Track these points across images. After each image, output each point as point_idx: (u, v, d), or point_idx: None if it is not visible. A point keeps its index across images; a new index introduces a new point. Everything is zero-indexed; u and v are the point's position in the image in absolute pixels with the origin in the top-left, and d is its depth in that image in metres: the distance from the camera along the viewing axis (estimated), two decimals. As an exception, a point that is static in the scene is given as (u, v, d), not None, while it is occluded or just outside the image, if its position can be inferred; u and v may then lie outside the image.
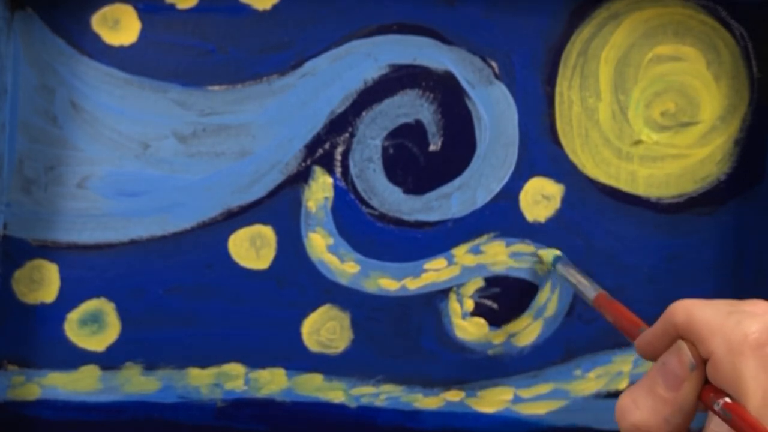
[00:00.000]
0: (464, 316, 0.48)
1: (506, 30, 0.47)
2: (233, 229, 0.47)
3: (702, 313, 0.27)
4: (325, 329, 0.48)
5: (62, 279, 0.47)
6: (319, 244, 0.47)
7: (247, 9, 0.46)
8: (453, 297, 0.48)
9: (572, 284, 0.43)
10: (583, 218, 0.48)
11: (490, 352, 0.49)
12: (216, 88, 0.47)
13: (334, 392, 0.48)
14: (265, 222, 0.47)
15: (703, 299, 0.29)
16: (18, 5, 0.46)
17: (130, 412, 0.48)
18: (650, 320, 0.49)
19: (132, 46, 0.46)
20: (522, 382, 0.49)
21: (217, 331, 0.47)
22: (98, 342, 0.47)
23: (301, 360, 0.48)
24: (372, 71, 0.47)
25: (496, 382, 0.49)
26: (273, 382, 0.48)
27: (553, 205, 0.48)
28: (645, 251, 0.48)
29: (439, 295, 0.48)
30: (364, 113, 0.47)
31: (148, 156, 0.47)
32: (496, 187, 0.48)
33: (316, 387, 0.48)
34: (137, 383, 0.47)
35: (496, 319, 0.48)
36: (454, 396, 0.49)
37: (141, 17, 0.46)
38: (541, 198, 0.48)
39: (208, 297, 0.47)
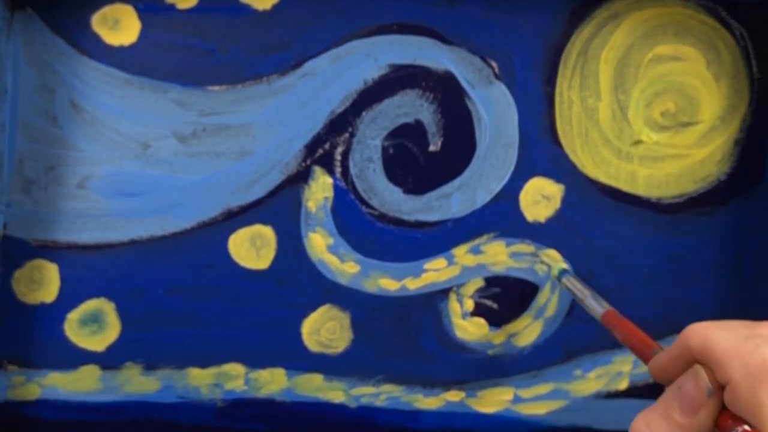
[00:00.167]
0: (464, 316, 0.48)
1: (506, 30, 0.47)
2: (233, 229, 0.47)
3: (719, 338, 0.27)
4: (325, 329, 0.48)
5: (62, 279, 0.47)
6: (319, 244, 0.47)
7: (247, 9, 0.46)
8: (453, 297, 0.48)
9: (577, 298, 0.42)
10: (583, 218, 0.48)
11: (490, 352, 0.49)
12: (216, 88, 0.47)
13: (334, 392, 0.48)
14: (265, 222, 0.47)
15: (718, 321, 0.28)
16: (18, 5, 0.46)
17: (130, 412, 0.48)
18: (650, 320, 0.49)
19: (132, 46, 0.46)
20: (522, 382, 0.49)
21: (217, 331, 0.47)
22: (98, 342, 0.47)
23: (301, 360, 0.48)
24: (372, 71, 0.47)
25: (496, 382, 0.49)
26: (273, 382, 0.48)
27: (553, 205, 0.48)
28: (645, 251, 0.48)
29: (439, 295, 0.48)
30: (364, 113, 0.47)
31: (148, 156, 0.47)
32: (496, 187, 0.48)
33: (316, 387, 0.48)
34: (137, 383, 0.47)
35: (496, 319, 0.48)
36: (454, 396, 0.49)
37: (141, 17, 0.46)
38: (541, 198, 0.48)
39: (208, 297, 0.47)
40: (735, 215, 0.48)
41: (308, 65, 0.47)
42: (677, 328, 0.49)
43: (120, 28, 0.46)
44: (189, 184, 0.47)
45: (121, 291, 0.47)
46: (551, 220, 0.48)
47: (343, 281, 0.48)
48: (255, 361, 0.48)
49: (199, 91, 0.47)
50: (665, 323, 0.48)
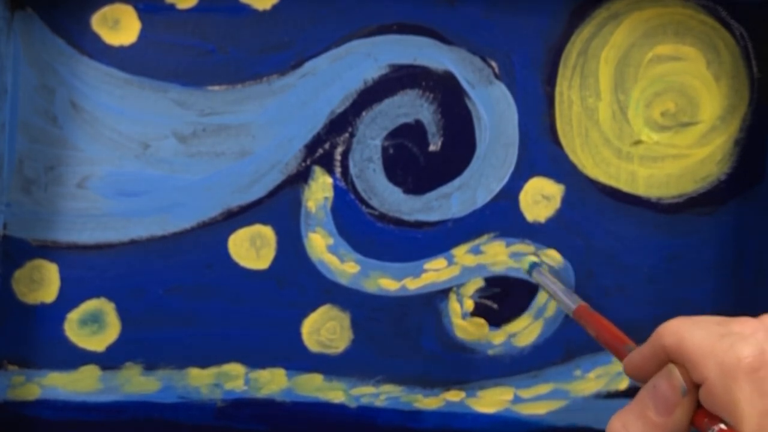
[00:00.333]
0: (464, 316, 0.48)
1: (506, 30, 0.47)
2: (233, 229, 0.47)
3: (692, 336, 0.27)
4: (325, 329, 0.48)
5: (62, 279, 0.47)
6: (319, 244, 0.47)
7: (247, 9, 0.46)
8: (453, 297, 0.48)
9: (550, 293, 0.41)
10: (583, 218, 0.48)
11: (490, 352, 0.49)
12: (216, 88, 0.47)
13: (334, 392, 0.48)
14: (265, 222, 0.47)
15: (691, 318, 0.28)
16: (18, 5, 0.46)
17: (130, 412, 0.48)
18: (650, 320, 0.49)
19: (132, 46, 0.46)
20: (522, 382, 0.49)
21: (217, 331, 0.47)
22: (98, 342, 0.47)
23: (301, 360, 0.48)
24: (372, 71, 0.47)
25: (496, 382, 0.49)
26: (273, 382, 0.48)
27: (553, 205, 0.48)
28: (645, 251, 0.48)
29: (439, 295, 0.48)
30: (364, 113, 0.47)
31: (148, 156, 0.47)
32: (496, 187, 0.48)
33: (316, 387, 0.48)
34: (137, 383, 0.47)
35: (496, 319, 0.48)
36: (454, 396, 0.49)
37: (141, 17, 0.46)
38: (541, 198, 0.48)
39: (208, 297, 0.47)
40: (735, 215, 0.48)
41: (308, 65, 0.47)
42: (677, 328, 0.49)
43: (120, 28, 0.46)
44: (189, 184, 0.47)
45: (121, 291, 0.47)
46: (551, 220, 0.48)
47: (343, 281, 0.48)
48: (255, 361, 0.48)
49: (199, 91, 0.47)
50: (665, 323, 0.48)
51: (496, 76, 0.47)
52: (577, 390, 0.49)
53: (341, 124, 0.47)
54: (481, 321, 0.48)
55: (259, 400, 0.48)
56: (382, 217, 0.48)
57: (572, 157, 0.48)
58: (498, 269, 0.48)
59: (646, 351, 0.29)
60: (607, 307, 0.48)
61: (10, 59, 0.46)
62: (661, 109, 0.48)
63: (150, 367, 0.47)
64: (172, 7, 0.46)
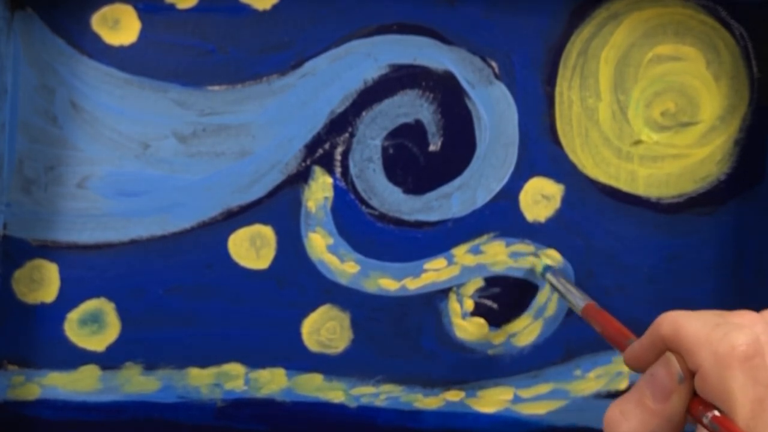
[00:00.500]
0: (464, 316, 0.48)
1: (506, 30, 0.47)
2: (233, 229, 0.47)
3: (689, 325, 0.27)
4: (325, 329, 0.48)
5: (62, 279, 0.47)
6: (319, 244, 0.47)
7: (247, 9, 0.46)
8: (453, 297, 0.48)
9: (561, 294, 0.43)
10: (583, 218, 0.48)
11: (490, 352, 0.49)
12: (216, 88, 0.47)
13: (334, 392, 0.48)
14: (265, 222, 0.47)
15: (690, 311, 0.29)
16: (18, 5, 0.46)
17: (130, 412, 0.48)
18: (650, 320, 0.49)
19: (132, 46, 0.46)
20: (522, 382, 0.49)
21: (217, 331, 0.47)
22: (98, 342, 0.47)
23: (301, 360, 0.48)
24: (372, 71, 0.47)
25: (496, 382, 0.49)
26: (273, 382, 0.48)
27: (553, 205, 0.48)
28: (645, 251, 0.48)
29: (439, 295, 0.48)
30: (364, 113, 0.47)
31: (148, 156, 0.47)
32: (496, 187, 0.48)
33: (316, 387, 0.48)
34: (137, 383, 0.47)
35: (496, 319, 0.48)
36: (454, 396, 0.49)
37: (141, 17, 0.46)
38: (541, 198, 0.48)
39: (208, 297, 0.47)
40: (735, 215, 0.48)
41: (308, 65, 0.47)
42: (677, 328, 0.49)
43: (120, 28, 0.46)
44: (189, 184, 0.47)
45: (121, 291, 0.47)
46: (551, 220, 0.48)
47: (343, 281, 0.48)
48: (255, 361, 0.48)
49: (199, 91, 0.47)
50: (665, 323, 0.48)
51: (496, 76, 0.47)
52: (577, 390, 0.49)
53: (341, 124, 0.47)
54: (481, 321, 0.48)
55: (259, 400, 0.48)
56: (382, 217, 0.48)
57: (572, 157, 0.48)
58: (498, 269, 0.48)
59: (645, 341, 0.30)
60: (607, 307, 0.48)
61: (10, 59, 0.46)
62: (661, 109, 0.48)
63: (150, 367, 0.47)
64: (172, 7, 0.46)
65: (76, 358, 0.47)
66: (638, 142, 0.48)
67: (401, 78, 0.47)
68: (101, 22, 0.46)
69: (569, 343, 0.49)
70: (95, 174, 0.47)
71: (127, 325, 0.47)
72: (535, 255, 0.48)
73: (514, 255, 0.48)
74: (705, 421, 0.26)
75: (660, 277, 0.48)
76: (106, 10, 0.46)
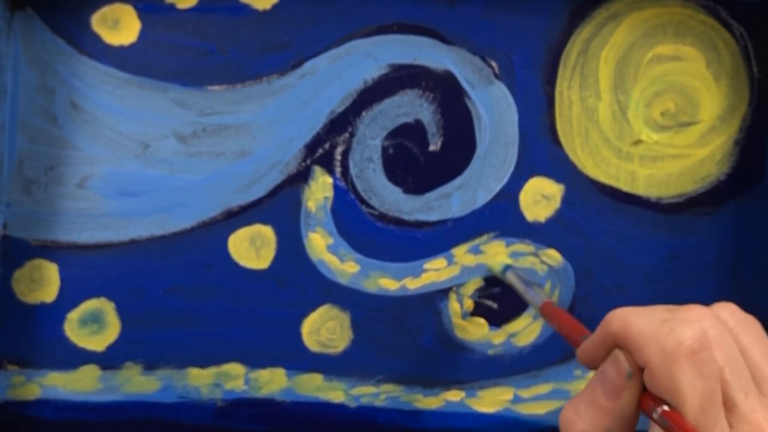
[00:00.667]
0: (464, 316, 0.48)
1: (506, 30, 0.47)
2: (233, 229, 0.47)
3: (637, 322, 0.27)
4: (325, 329, 0.48)
5: (62, 279, 0.47)
6: (319, 244, 0.47)
7: (247, 9, 0.46)
8: (453, 297, 0.48)
9: (519, 293, 0.43)
10: (583, 218, 0.48)
11: (490, 352, 0.49)
12: (216, 88, 0.47)
13: (334, 392, 0.48)
14: (265, 222, 0.47)
15: (639, 307, 0.29)
16: (18, 5, 0.46)
17: (130, 412, 0.48)
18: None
19: (132, 46, 0.46)
20: (522, 382, 0.49)
21: (217, 331, 0.47)
22: (98, 342, 0.47)
23: (301, 360, 0.48)
24: (372, 71, 0.47)
25: (496, 382, 0.49)
26: (273, 382, 0.48)
27: (553, 205, 0.48)
28: (645, 251, 0.48)
29: (439, 295, 0.48)
30: (364, 113, 0.47)
31: (148, 156, 0.47)
32: (496, 187, 0.48)
33: (316, 387, 0.48)
34: (137, 383, 0.47)
35: (496, 319, 0.48)
36: (454, 396, 0.49)
37: (141, 17, 0.46)
38: (541, 198, 0.48)
39: (208, 297, 0.47)
40: (735, 215, 0.48)
41: (308, 65, 0.47)
42: (677, 328, 0.49)
43: (120, 28, 0.46)
44: (189, 184, 0.47)
45: (121, 291, 0.47)
46: (551, 220, 0.48)
47: (343, 281, 0.48)
48: (255, 361, 0.48)
49: (199, 91, 0.47)
50: (665, 323, 0.48)
51: (496, 76, 0.47)
52: (577, 390, 0.49)
53: (341, 124, 0.47)
54: (481, 321, 0.48)
55: (259, 400, 0.48)
56: (382, 217, 0.48)
57: (572, 157, 0.48)
58: (498, 269, 0.48)
59: (596, 339, 0.30)
60: (607, 307, 0.48)
61: (10, 59, 0.46)
62: (661, 109, 0.48)
63: (150, 367, 0.47)
64: (172, 7, 0.46)
65: (76, 358, 0.47)
66: (638, 142, 0.48)
67: (401, 78, 0.47)
68: (101, 22, 0.46)
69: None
70: (95, 174, 0.47)
71: (127, 325, 0.47)
72: (535, 255, 0.48)
73: (514, 255, 0.48)
74: (655, 416, 0.26)
75: (660, 277, 0.48)
76: (106, 10, 0.46)
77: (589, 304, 0.48)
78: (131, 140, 0.47)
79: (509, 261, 0.47)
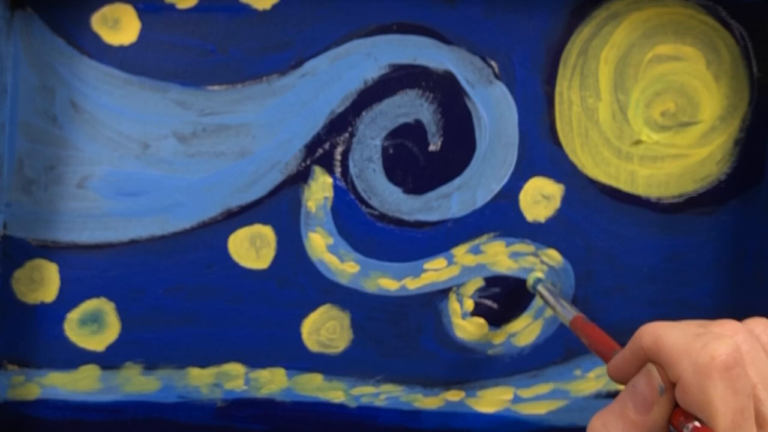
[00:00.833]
0: (464, 316, 0.48)
1: (506, 30, 0.47)
2: (233, 229, 0.47)
3: (669, 336, 0.27)
4: (325, 329, 0.48)
5: (62, 279, 0.47)
6: (319, 244, 0.47)
7: (247, 9, 0.46)
8: (453, 297, 0.48)
9: (551, 306, 0.43)
10: (583, 218, 0.48)
11: (490, 352, 0.49)
12: (216, 88, 0.47)
13: (334, 392, 0.48)
14: (265, 222, 0.47)
15: (671, 321, 0.28)
16: (18, 5, 0.46)
17: (130, 412, 0.48)
18: (650, 320, 0.49)
19: (132, 46, 0.46)
20: (522, 382, 0.49)
21: (217, 331, 0.47)
22: (98, 342, 0.47)
23: (301, 360, 0.48)
24: (372, 71, 0.47)
25: (496, 382, 0.49)
26: (273, 382, 0.48)
27: (553, 205, 0.48)
28: (645, 251, 0.48)
29: (439, 295, 0.48)
30: (364, 113, 0.47)
31: (148, 156, 0.47)
32: (496, 187, 0.48)
33: (316, 387, 0.48)
34: (137, 383, 0.47)
35: (496, 319, 0.48)
36: (454, 396, 0.49)
37: (141, 17, 0.46)
38: (541, 198, 0.48)
39: (208, 297, 0.47)
40: (735, 215, 0.48)
41: (308, 65, 0.47)
42: (677, 328, 0.49)
43: (120, 27, 0.46)
44: (189, 184, 0.47)
45: (121, 291, 0.47)
46: (551, 220, 0.48)
47: (343, 281, 0.48)
48: (255, 361, 0.48)
49: (199, 91, 0.47)
50: (665, 323, 0.48)
51: (496, 76, 0.47)
52: (577, 390, 0.49)
53: (341, 124, 0.47)
54: (481, 321, 0.48)
55: (259, 400, 0.48)
56: (382, 217, 0.48)
57: (572, 157, 0.48)
58: (498, 269, 0.48)
59: (627, 353, 0.29)
60: (607, 307, 0.48)
61: (10, 59, 0.46)
62: (661, 109, 0.48)
63: (150, 366, 0.47)
64: (172, 7, 0.46)
65: (76, 358, 0.47)
66: (638, 142, 0.48)
67: (401, 78, 0.47)
68: (101, 22, 0.46)
69: (569, 343, 0.49)
70: (95, 174, 0.47)
71: (127, 325, 0.47)
72: (535, 255, 0.48)
73: (514, 255, 0.48)
74: None
75: (660, 277, 0.48)
76: (106, 9, 0.46)
77: (589, 304, 0.48)
78: (131, 140, 0.47)
79: (540, 275, 0.47)
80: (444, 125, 0.47)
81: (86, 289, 0.47)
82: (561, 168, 0.48)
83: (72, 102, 0.46)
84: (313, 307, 0.48)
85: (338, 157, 0.47)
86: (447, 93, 0.47)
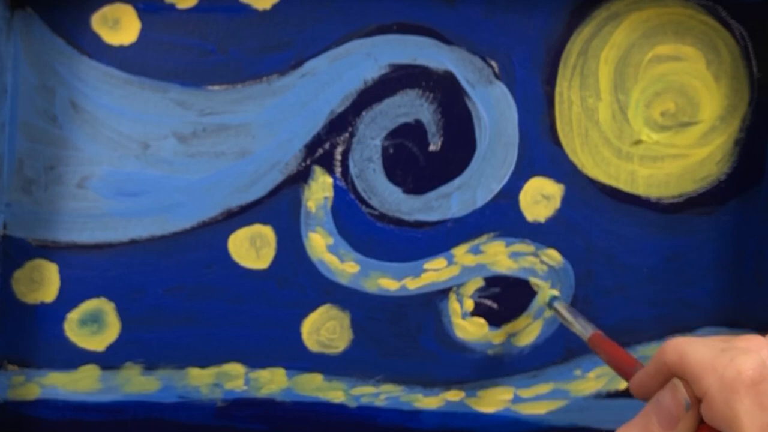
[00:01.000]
0: (464, 316, 0.48)
1: (506, 30, 0.47)
2: (233, 229, 0.47)
3: (694, 352, 0.27)
4: (325, 329, 0.48)
5: (62, 279, 0.47)
6: (319, 244, 0.47)
7: (247, 9, 0.46)
8: (453, 297, 0.48)
9: (568, 323, 0.44)
10: (583, 218, 0.48)
11: (490, 352, 0.49)
12: (216, 88, 0.47)
13: (334, 392, 0.48)
14: (265, 222, 0.47)
15: (695, 337, 0.28)
16: (18, 5, 0.46)
17: (130, 412, 0.48)
18: (650, 320, 0.49)
19: (132, 46, 0.46)
20: (522, 382, 0.49)
21: (217, 331, 0.47)
22: (98, 342, 0.47)
23: (301, 360, 0.48)
24: (372, 71, 0.47)
25: (496, 382, 0.49)
26: (273, 382, 0.48)
27: (553, 205, 0.48)
28: (645, 251, 0.48)
29: (439, 295, 0.48)
30: (364, 113, 0.47)
31: (148, 156, 0.47)
32: (496, 187, 0.48)
33: (316, 387, 0.48)
34: (137, 383, 0.47)
35: (496, 319, 0.48)
36: (454, 396, 0.49)
37: (141, 17, 0.46)
38: (541, 198, 0.48)
39: (208, 297, 0.47)
40: (735, 215, 0.48)
41: (308, 65, 0.47)
42: (677, 328, 0.49)
43: (120, 27, 0.46)
44: (189, 184, 0.47)
45: (121, 291, 0.47)
46: (551, 220, 0.48)
47: (343, 281, 0.48)
48: (255, 361, 0.48)
49: (199, 91, 0.47)
50: (665, 323, 0.49)
51: (496, 76, 0.47)
52: (577, 390, 0.49)
53: (341, 124, 0.47)
54: (481, 321, 0.48)
55: (259, 400, 0.48)
56: (382, 217, 0.48)
57: (572, 157, 0.48)
58: (498, 269, 0.48)
59: (650, 368, 0.29)
60: (607, 307, 0.48)
61: (10, 59, 0.46)
62: (661, 109, 0.48)
63: (150, 367, 0.47)
64: (172, 7, 0.46)
65: (76, 358, 0.47)
66: (638, 142, 0.48)
67: (401, 78, 0.47)
68: (101, 22, 0.46)
69: (569, 343, 0.49)
70: (95, 174, 0.47)
71: (127, 325, 0.47)
72: (535, 255, 0.48)
73: (514, 255, 0.48)
74: None
75: (660, 277, 0.48)
76: (106, 10, 0.46)
77: (589, 304, 0.48)
78: (131, 140, 0.47)
79: (556, 292, 0.47)
80: (444, 125, 0.47)
81: (86, 289, 0.47)
82: (561, 168, 0.48)
83: (72, 102, 0.46)
84: (313, 307, 0.48)
85: (338, 157, 0.47)
86: (447, 93, 0.47)
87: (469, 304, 0.48)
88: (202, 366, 0.48)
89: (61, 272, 0.47)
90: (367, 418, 0.48)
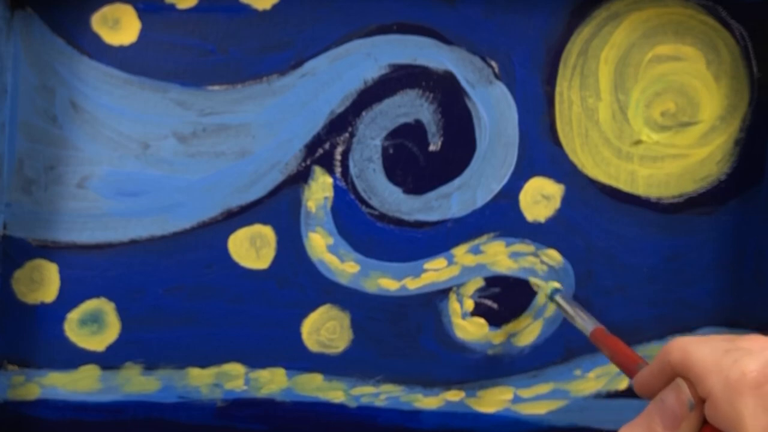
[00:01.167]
0: (464, 316, 0.48)
1: (506, 30, 0.47)
2: (233, 229, 0.47)
3: (698, 352, 0.27)
4: (325, 329, 0.48)
5: (62, 279, 0.47)
6: (319, 244, 0.47)
7: (247, 9, 0.46)
8: (453, 297, 0.48)
9: (570, 317, 0.43)
10: (583, 218, 0.48)
11: (490, 352, 0.49)
12: (216, 88, 0.47)
13: (334, 392, 0.48)
14: (265, 222, 0.47)
15: (699, 337, 0.28)
16: (18, 5, 0.46)
17: (130, 412, 0.48)
18: (650, 320, 0.49)
19: (132, 46, 0.46)
20: (522, 382, 0.49)
21: (217, 331, 0.47)
22: (98, 342, 0.47)
23: (301, 360, 0.48)
24: (372, 71, 0.47)
25: (496, 382, 0.49)
26: (273, 382, 0.48)
27: (553, 205, 0.48)
28: (645, 251, 0.48)
29: (439, 295, 0.48)
30: (364, 113, 0.47)
31: (148, 156, 0.47)
32: (496, 187, 0.48)
33: (316, 387, 0.48)
34: (137, 383, 0.47)
35: (496, 319, 0.48)
36: (454, 396, 0.49)
37: (141, 17, 0.46)
38: (541, 198, 0.48)
39: (208, 297, 0.47)
40: (735, 215, 0.48)
41: (308, 65, 0.47)
42: (677, 328, 0.49)
43: (120, 28, 0.46)
44: (189, 184, 0.47)
45: (121, 291, 0.47)
46: (551, 220, 0.48)
47: (343, 281, 0.48)
48: (255, 361, 0.48)
49: (199, 91, 0.47)
50: (665, 323, 0.49)
51: (496, 76, 0.47)
52: (577, 390, 0.49)
53: (341, 124, 0.47)
54: (481, 321, 0.48)
55: (259, 400, 0.48)
56: (382, 217, 0.48)
57: (572, 157, 0.48)
58: (498, 269, 0.48)
59: (654, 367, 0.29)
60: (607, 307, 0.48)
61: (10, 59, 0.46)
62: (661, 109, 0.48)
63: (150, 367, 0.47)
64: (172, 7, 0.46)
65: (76, 358, 0.47)
66: (638, 142, 0.48)
67: (401, 78, 0.47)
68: (101, 22, 0.46)
69: (569, 343, 0.49)
70: (95, 174, 0.47)
71: (127, 325, 0.47)
72: (535, 255, 0.48)
73: (514, 255, 0.48)
74: None
75: (660, 277, 0.48)
76: (106, 10, 0.46)
77: (589, 304, 0.48)
78: (131, 140, 0.47)
79: (558, 285, 0.47)
80: (444, 125, 0.47)
81: (86, 289, 0.47)
82: (561, 168, 0.48)
83: (72, 102, 0.46)
84: (313, 307, 0.48)
85: (338, 157, 0.47)
86: (447, 93, 0.47)
87: (469, 304, 0.48)
88: (202, 366, 0.48)
89: (61, 272, 0.47)
90: (367, 418, 0.48)
